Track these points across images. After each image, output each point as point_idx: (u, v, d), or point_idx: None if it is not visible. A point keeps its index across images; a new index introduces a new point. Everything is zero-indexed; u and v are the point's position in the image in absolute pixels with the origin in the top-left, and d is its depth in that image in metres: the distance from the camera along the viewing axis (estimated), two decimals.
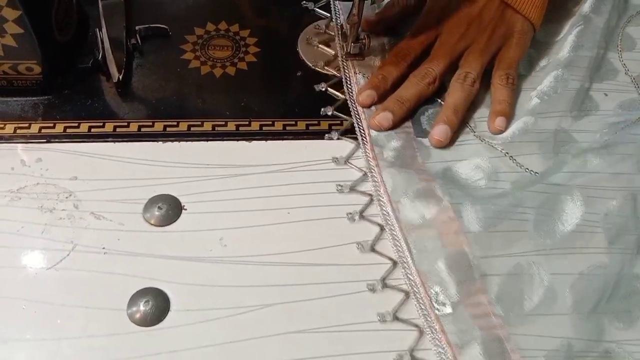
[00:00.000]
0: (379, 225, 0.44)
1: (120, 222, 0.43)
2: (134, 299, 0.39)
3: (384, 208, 0.44)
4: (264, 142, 0.49)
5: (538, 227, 0.43)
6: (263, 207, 0.45)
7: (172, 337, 0.38)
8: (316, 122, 0.50)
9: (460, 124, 0.50)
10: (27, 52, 0.46)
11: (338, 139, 0.49)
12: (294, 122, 0.50)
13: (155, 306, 0.39)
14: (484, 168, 0.47)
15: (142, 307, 0.39)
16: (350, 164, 0.48)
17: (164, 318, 0.39)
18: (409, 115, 0.51)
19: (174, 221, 0.43)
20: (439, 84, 0.51)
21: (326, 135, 0.49)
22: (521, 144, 0.49)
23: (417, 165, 0.47)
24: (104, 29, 0.52)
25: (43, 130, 0.48)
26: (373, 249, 0.43)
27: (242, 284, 0.41)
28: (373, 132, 0.48)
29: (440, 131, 0.48)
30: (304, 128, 0.50)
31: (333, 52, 0.55)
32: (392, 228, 0.43)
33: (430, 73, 0.51)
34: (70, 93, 0.50)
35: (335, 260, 0.42)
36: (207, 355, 0.38)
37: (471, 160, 0.48)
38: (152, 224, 0.43)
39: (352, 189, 0.46)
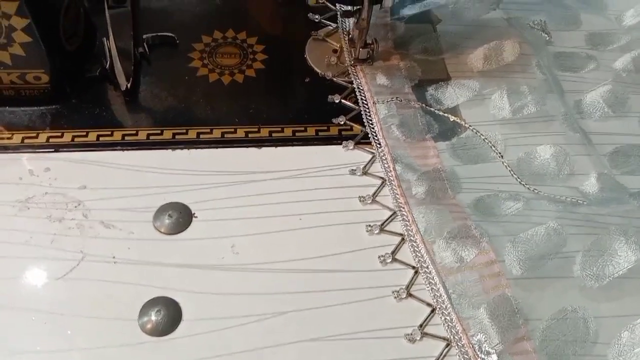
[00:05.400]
0: (413, 267, 0.42)
1: (130, 231, 0.42)
2: (145, 308, 0.39)
3: (417, 249, 0.43)
4: (273, 148, 0.48)
5: (585, 268, 0.42)
6: (274, 213, 0.44)
7: (184, 346, 0.38)
8: (325, 127, 0.50)
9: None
10: (35, 61, 0.46)
11: (353, 148, 0.49)
12: (303, 128, 0.50)
13: (167, 315, 0.38)
14: (518, 197, 0.45)
15: (153, 316, 0.38)
16: (370, 174, 0.47)
17: (176, 328, 0.38)
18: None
19: (185, 229, 0.43)
20: None
21: (343, 143, 0.49)
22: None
23: (448, 199, 0.45)
24: (111, 38, 0.51)
25: (51, 140, 0.47)
26: (395, 259, 0.42)
27: (254, 291, 0.40)
28: (398, 167, 0.47)
29: None
30: (314, 134, 0.49)
31: (339, 45, 0.55)
32: (428, 271, 0.41)
33: None
34: (78, 102, 0.50)
35: (350, 267, 0.42)
36: None
37: (504, 189, 0.46)
38: (162, 232, 0.43)
39: (382, 229, 0.44)
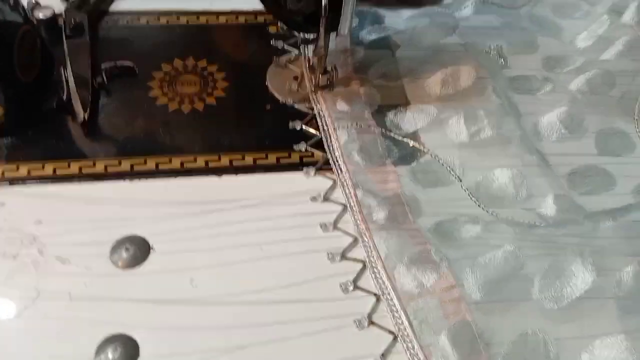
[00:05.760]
0: (375, 294, 0.42)
1: (87, 266, 0.42)
2: (102, 346, 0.38)
3: (378, 276, 0.42)
4: (234, 176, 0.48)
5: (543, 290, 0.42)
6: (234, 244, 0.44)
7: None
8: (287, 154, 0.50)
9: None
10: None
11: (314, 175, 0.49)
12: (264, 156, 0.50)
13: (124, 354, 0.38)
14: (477, 220, 0.46)
15: (110, 354, 0.38)
16: (332, 201, 0.47)
17: None
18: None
19: (142, 262, 0.42)
20: None
21: (304, 169, 0.49)
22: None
23: (408, 224, 0.45)
24: (69, 68, 0.51)
25: (6, 174, 0.46)
26: (356, 287, 0.42)
27: (214, 325, 0.40)
28: (359, 193, 0.46)
29: None
30: (275, 161, 0.49)
31: (300, 71, 0.55)
32: (389, 297, 0.41)
33: None
34: (34, 134, 0.49)
35: (312, 296, 0.41)
36: None
37: (463, 213, 0.46)
38: (119, 267, 0.42)
39: (344, 257, 0.44)
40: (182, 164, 0.48)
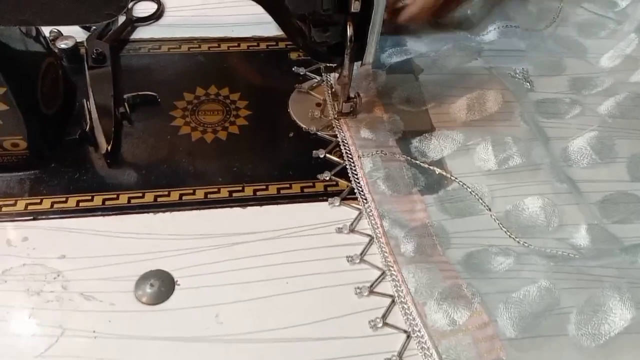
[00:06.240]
0: (405, 331, 0.41)
1: (111, 302, 0.41)
2: None
3: (408, 312, 0.41)
4: (258, 207, 0.47)
5: (580, 327, 0.40)
6: (260, 277, 0.43)
7: None
8: (311, 184, 0.49)
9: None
10: (12, 128, 0.45)
11: (340, 205, 0.48)
12: (288, 185, 0.49)
13: None
14: (509, 252, 0.44)
15: None
16: (358, 232, 0.46)
17: None
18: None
19: (167, 298, 0.42)
20: None
21: (329, 200, 0.48)
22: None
23: (437, 256, 0.44)
24: (91, 99, 0.51)
25: (29, 207, 0.46)
26: (385, 323, 0.41)
27: None
28: (386, 223, 0.45)
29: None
30: (299, 191, 0.49)
31: (322, 98, 0.55)
32: (420, 335, 0.40)
33: None
34: (57, 166, 0.49)
35: (339, 334, 0.40)
36: None
37: (493, 243, 0.45)
38: (144, 303, 0.41)
39: (372, 291, 0.43)
40: (205, 195, 0.48)
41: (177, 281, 0.42)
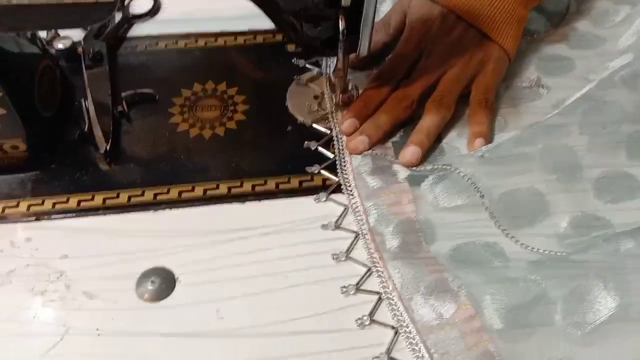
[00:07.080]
0: (393, 327, 0.40)
1: (114, 300, 0.42)
2: None
3: (395, 308, 0.41)
4: (257, 202, 0.48)
5: (566, 317, 0.40)
6: (259, 272, 0.43)
7: None
8: (309, 177, 0.49)
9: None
10: (11, 131, 0.46)
11: (326, 200, 0.48)
12: (286, 180, 0.49)
13: None
14: (495, 247, 0.44)
15: None
16: (342, 229, 0.46)
17: None
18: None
19: (168, 295, 0.42)
20: (416, 107, 0.51)
21: (314, 197, 0.48)
22: None
23: (423, 252, 0.44)
24: (89, 99, 0.51)
25: (32, 208, 0.47)
26: (373, 320, 0.41)
27: (241, 358, 0.39)
28: (371, 219, 0.45)
29: (411, 152, 0.48)
30: (297, 185, 0.49)
31: (320, 91, 0.55)
32: (408, 331, 0.40)
33: (408, 97, 0.51)
34: (58, 167, 0.49)
35: (338, 326, 0.41)
36: None
37: (481, 232, 0.45)
38: (145, 300, 0.42)
39: (359, 288, 0.42)
40: (205, 191, 0.48)
41: (177, 277, 0.43)
